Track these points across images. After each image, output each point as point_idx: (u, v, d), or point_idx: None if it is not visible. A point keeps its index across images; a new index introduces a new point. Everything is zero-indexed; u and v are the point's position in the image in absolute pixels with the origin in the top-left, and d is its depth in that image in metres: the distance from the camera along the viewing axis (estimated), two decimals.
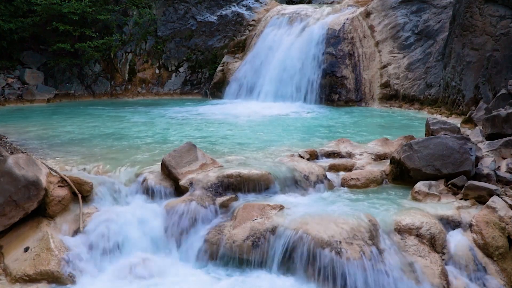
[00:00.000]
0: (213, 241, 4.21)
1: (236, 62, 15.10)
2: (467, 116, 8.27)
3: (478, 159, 5.15)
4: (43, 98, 13.23)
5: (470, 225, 4.15)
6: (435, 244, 3.93)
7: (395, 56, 12.79)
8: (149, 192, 4.82)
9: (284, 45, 13.93)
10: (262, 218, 4.19)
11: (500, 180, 4.87)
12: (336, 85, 13.04)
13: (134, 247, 4.26)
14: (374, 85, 12.87)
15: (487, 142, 5.89)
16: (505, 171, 5.10)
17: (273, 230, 4.05)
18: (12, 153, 5.59)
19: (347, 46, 13.36)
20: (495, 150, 5.60)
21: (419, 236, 3.93)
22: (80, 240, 4.21)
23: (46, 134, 7.78)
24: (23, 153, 5.82)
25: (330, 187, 5.16)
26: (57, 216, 4.40)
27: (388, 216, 4.12)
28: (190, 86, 15.86)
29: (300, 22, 14.55)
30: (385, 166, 5.49)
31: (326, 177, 5.26)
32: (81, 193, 4.53)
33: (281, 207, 4.35)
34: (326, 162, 5.81)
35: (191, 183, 4.76)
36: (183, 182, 4.80)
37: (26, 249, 4.05)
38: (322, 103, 12.94)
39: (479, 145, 5.73)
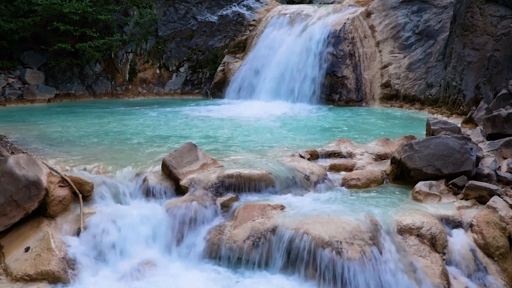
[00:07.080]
0: (213, 241, 4.21)
1: (236, 62, 15.10)
2: (467, 116, 8.26)
3: (478, 159, 5.15)
4: (44, 98, 13.23)
5: (471, 225, 4.15)
6: (435, 244, 3.93)
7: (395, 56, 12.78)
8: (149, 192, 4.82)
9: (285, 45, 13.92)
10: (262, 218, 4.19)
11: (500, 180, 4.87)
12: (336, 85, 13.04)
13: (135, 246, 4.27)
14: (375, 85, 12.86)
15: (488, 142, 5.89)
16: (506, 171, 5.09)
17: (273, 230, 4.05)
18: (12, 153, 5.59)
19: (348, 46, 13.36)
20: (496, 150, 5.59)
21: (419, 236, 3.93)
22: (80, 240, 4.22)
23: (46, 134, 7.77)
24: (23, 153, 5.82)
25: (331, 187, 5.16)
26: (58, 216, 4.40)
27: (389, 216, 4.12)
28: (191, 86, 15.86)
29: (300, 22, 14.55)
30: (386, 166, 5.49)
31: (326, 177, 5.26)
32: (81, 193, 4.53)
33: (282, 207, 4.35)
34: (326, 162, 5.81)
35: (191, 183, 4.76)
36: (183, 182, 4.80)
37: (27, 249, 4.05)
38: (322, 103, 12.94)
39: (480, 145, 5.73)
